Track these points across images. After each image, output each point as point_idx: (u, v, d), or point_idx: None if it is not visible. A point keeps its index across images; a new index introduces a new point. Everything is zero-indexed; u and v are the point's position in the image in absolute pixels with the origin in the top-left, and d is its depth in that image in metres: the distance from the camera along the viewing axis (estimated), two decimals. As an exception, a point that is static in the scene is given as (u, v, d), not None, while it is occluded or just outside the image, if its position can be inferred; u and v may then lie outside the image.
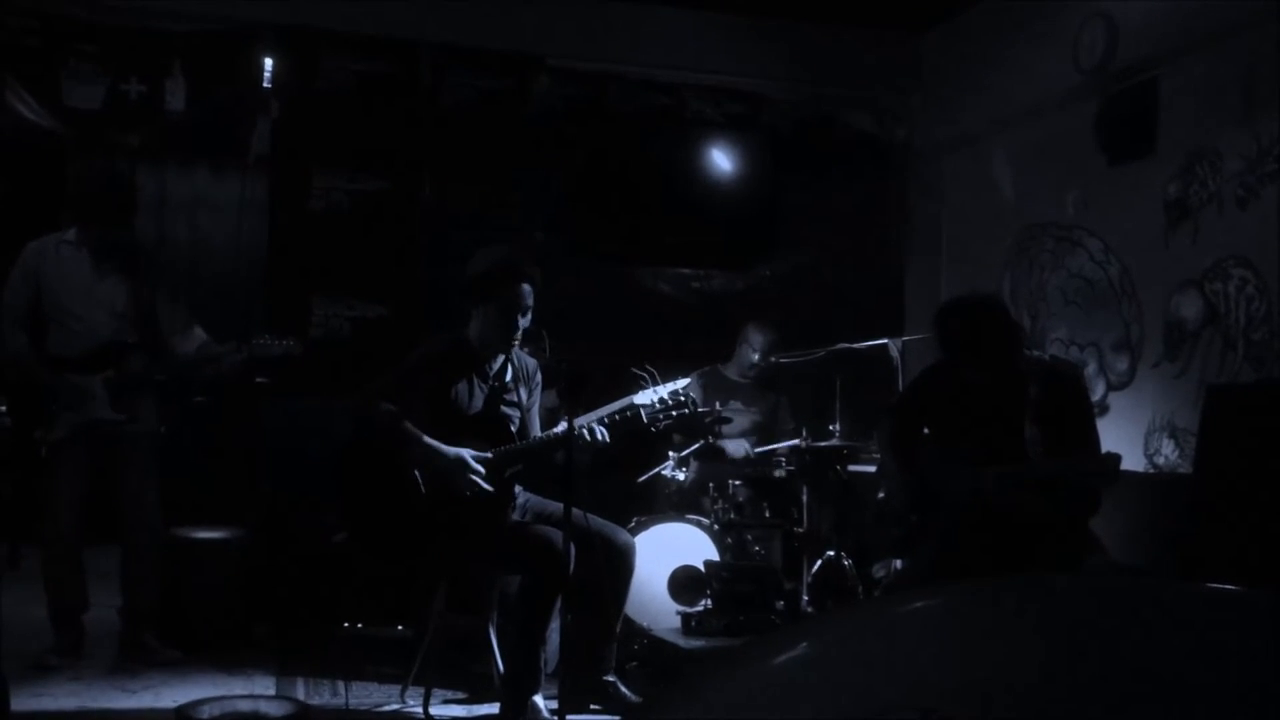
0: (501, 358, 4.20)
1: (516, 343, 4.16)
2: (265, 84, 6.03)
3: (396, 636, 4.91)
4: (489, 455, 3.96)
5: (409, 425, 3.93)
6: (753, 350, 5.71)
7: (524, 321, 4.08)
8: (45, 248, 4.58)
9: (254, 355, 4.52)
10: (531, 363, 4.32)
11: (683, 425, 4.94)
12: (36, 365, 4.45)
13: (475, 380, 4.15)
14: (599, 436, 3.94)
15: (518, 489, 4.19)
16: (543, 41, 6.49)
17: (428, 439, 3.92)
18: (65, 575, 4.60)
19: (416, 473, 3.93)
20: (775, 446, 5.37)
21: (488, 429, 4.07)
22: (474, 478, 3.90)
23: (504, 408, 4.19)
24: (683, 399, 4.02)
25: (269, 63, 6.00)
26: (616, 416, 4.01)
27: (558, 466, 4.03)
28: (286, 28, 6.09)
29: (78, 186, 4.66)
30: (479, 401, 4.14)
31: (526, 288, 4.06)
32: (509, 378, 4.21)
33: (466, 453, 3.93)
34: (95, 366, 4.48)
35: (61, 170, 6.17)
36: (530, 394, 4.30)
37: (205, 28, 6.03)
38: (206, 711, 3.19)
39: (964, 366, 3.82)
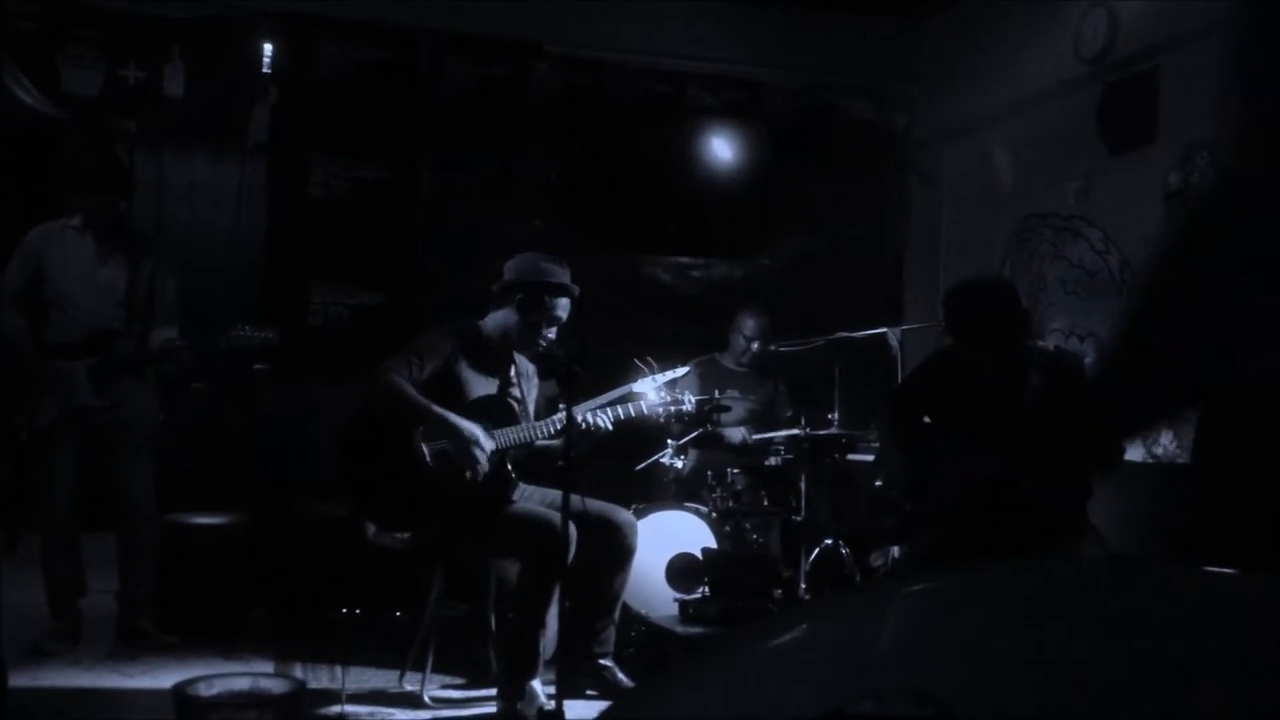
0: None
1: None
2: (264, 70, 6.02)
3: (394, 622, 4.91)
4: (495, 435, 3.98)
5: (422, 398, 3.93)
6: (745, 337, 5.68)
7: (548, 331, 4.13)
8: (49, 233, 4.57)
9: (231, 347, 4.49)
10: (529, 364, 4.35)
11: (681, 414, 4.95)
12: (28, 350, 4.45)
13: (482, 369, 4.16)
14: (602, 425, 3.95)
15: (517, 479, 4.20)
16: (542, 28, 6.46)
17: (440, 410, 3.92)
18: (62, 561, 4.61)
19: (423, 446, 3.93)
20: (773, 435, 5.36)
21: (492, 413, 4.08)
22: (479, 454, 3.89)
23: (508, 398, 4.20)
24: (682, 401, 4.15)
25: (268, 49, 5.98)
26: (622, 414, 4.04)
27: (556, 455, 4.05)
28: (285, 14, 6.07)
29: (75, 168, 4.63)
30: (484, 387, 4.15)
31: (559, 320, 4.11)
32: (512, 372, 4.24)
33: (479, 430, 3.93)
34: (82, 352, 4.47)
35: (60, 156, 6.15)
36: (530, 388, 4.32)
37: (204, 13, 6.00)
38: (204, 689, 3.14)
39: (970, 348, 3.81)
